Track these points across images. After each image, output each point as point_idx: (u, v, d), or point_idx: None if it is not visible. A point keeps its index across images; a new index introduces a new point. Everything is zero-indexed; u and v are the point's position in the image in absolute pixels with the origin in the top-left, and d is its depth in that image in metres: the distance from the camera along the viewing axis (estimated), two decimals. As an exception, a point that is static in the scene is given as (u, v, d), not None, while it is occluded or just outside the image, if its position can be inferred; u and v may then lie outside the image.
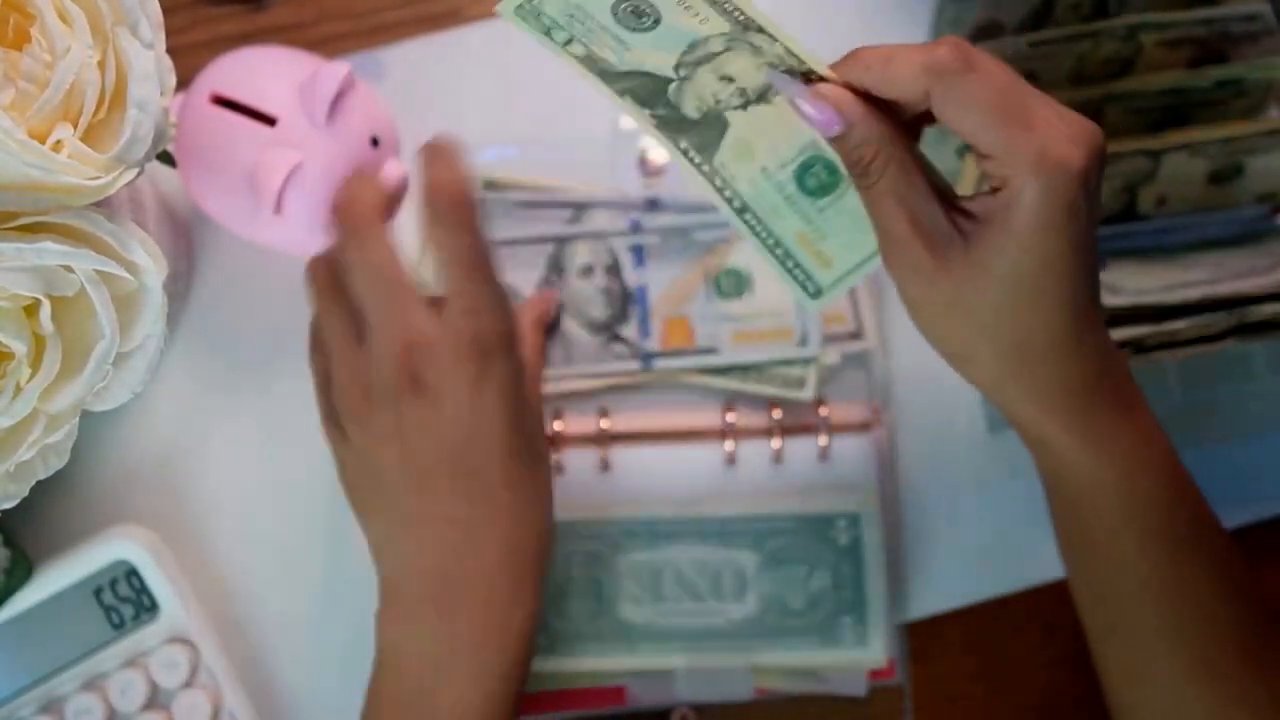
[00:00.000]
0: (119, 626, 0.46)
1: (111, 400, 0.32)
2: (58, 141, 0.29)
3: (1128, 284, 0.44)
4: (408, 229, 0.50)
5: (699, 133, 0.37)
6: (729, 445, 0.47)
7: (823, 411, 0.48)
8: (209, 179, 0.44)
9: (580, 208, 0.49)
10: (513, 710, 0.40)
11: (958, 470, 0.49)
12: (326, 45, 0.52)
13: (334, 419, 0.41)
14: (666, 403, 0.49)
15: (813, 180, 0.38)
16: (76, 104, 0.30)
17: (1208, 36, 0.46)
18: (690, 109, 0.36)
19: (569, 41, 0.34)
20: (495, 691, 0.40)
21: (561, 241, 0.49)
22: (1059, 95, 0.45)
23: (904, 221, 0.35)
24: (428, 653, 0.40)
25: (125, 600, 0.46)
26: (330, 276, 0.41)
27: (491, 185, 0.50)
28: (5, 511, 0.33)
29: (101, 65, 0.30)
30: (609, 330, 0.48)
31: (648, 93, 0.36)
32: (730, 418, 0.48)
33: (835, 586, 0.47)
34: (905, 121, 0.35)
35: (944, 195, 0.35)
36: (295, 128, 0.43)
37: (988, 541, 0.49)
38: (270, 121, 0.43)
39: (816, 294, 0.40)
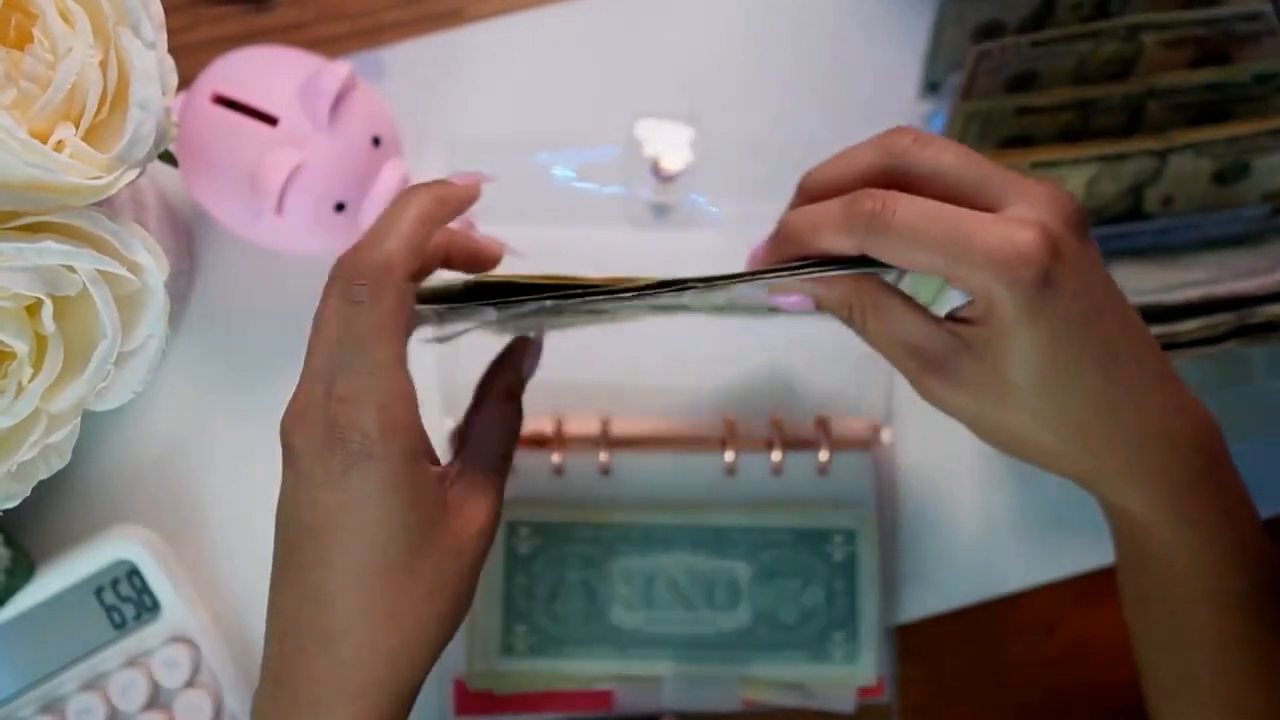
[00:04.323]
0: (120, 626, 0.46)
1: (113, 400, 0.32)
2: (59, 141, 0.29)
3: (1128, 284, 0.44)
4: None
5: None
6: (729, 455, 0.47)
7: (824, 426, 0.48)
8: (210, 179, 0.44)
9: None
10: None
11: (958, 469, 0.49)
12: (328, 45, 0.52)
13: None
14: (669, 408, 0.48)
15: None
16: (78, 104, 0.30)
17: (1209, 36, 0.46)
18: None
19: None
20: None
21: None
22: (1062, 94, 0.46)
23: (904, 355, 0.35)
24: None
25: (126, 600, 0.46)
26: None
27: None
28: (7, 511, 0.32)
29: (103, 65, 0.30)
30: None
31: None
32: (731, 428, 0.48)
33: (828, 602, 0.47)
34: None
35: (936, 316, 0.35)
36: (296, 128, 0.43)
37: (987, 541, 0.49)
38: (271, 121, 0.43)
39: None
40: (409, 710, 0.36)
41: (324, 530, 0.34)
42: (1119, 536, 0.38)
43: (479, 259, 0.39)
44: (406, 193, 0.35)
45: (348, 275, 0.34)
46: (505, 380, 0.40)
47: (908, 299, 0.36)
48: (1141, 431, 0.35)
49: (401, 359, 0.34)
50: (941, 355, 0.35)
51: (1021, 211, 0.32)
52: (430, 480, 0.35)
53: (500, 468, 0.38)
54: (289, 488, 0.35)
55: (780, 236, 0.36)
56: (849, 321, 0.37)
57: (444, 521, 0.35)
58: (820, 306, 0.37)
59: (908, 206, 0.32)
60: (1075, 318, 0.33)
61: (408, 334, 0.35)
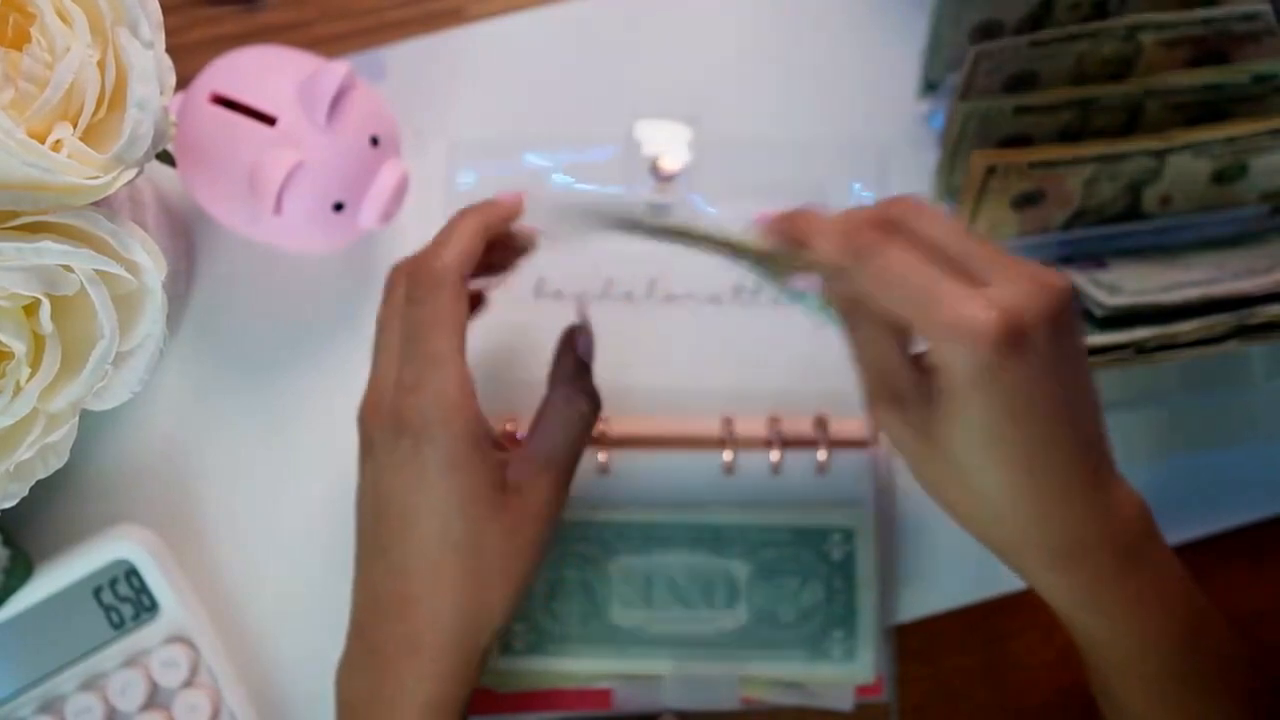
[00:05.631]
0: (119, 626, 0.46)
1: (111, 399, 0.32)
2: (57, 141, 0.29)
3: (1128, 284, 0.44)
4: (407, 227, 0.50)
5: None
6: (728, 455, 0.47)
7: (823, 426, 0.48)
8: (209, 178, 0.44)
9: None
10: None
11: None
12: (327, 45, 0.52)
13: None
14: (668, 409, 0.48)
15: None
16: (76, 103, 0.30)
17: (1207, 36, 0.46)
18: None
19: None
20: None
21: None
22: (1061, 94, 0.46)
23: (873, 379, 0.36)
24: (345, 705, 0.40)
25: (125, 600, 0.46)
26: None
27: None
28: (5, 511, 0.32)
29: (101, 65, 0.30)
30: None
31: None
32: (730, 427, 0.48)
33: (827, 601, 0.47)
34: None
35: (908, 350, 0.36)
36: (295, 127, 0.43)
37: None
38: (270, 121, 0.43)
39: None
40: (480, 671, 0.40)
41: (400, 509, 0.38)
42: (1064, 626, 0.39)
43: (515, 244, 0.43)
44: (462, 211, 0.40)
45: (413, 280, 0.39)
46: (565, 367, 0.43)
47: (892, 329, 0.36)
48: (1061, 535, 0.36)
49: (458, 350, 0.38)
50: (901, 394, 0.36)
51: (1000, 292, 0.32)
52: (490, 462, 0.38)
53: (562, 454, 0.41)
54: (369, 475, 0.40)
55: (787, 218, 0.37)
56: (845, 322, 0.37)
57: (502, 502, 0.39)
58: (828, 297, 0.38)
59: (898, 255, 0.33)
60: (1010, 411, 0.33)
61: (463, 329, 0.39)
